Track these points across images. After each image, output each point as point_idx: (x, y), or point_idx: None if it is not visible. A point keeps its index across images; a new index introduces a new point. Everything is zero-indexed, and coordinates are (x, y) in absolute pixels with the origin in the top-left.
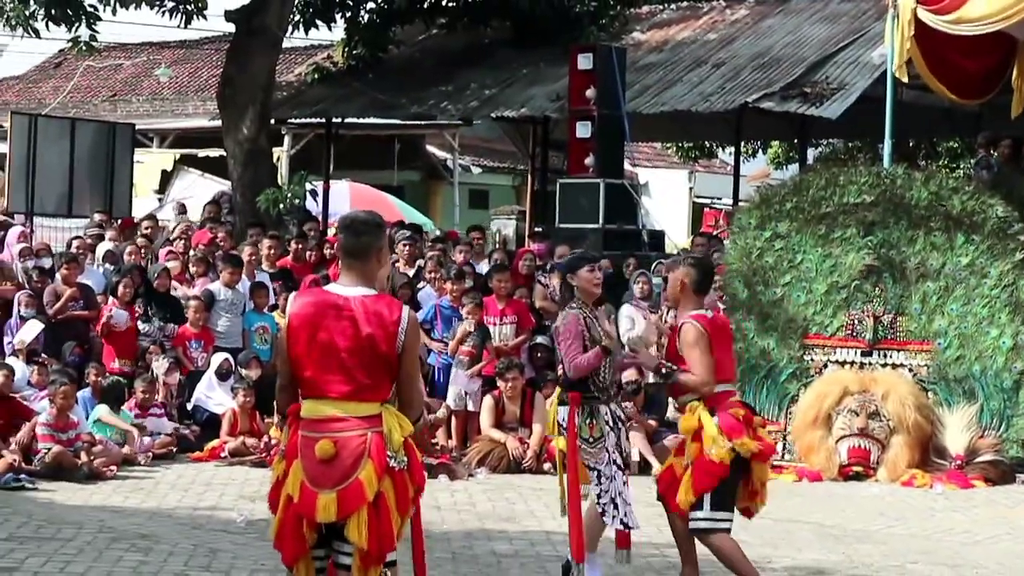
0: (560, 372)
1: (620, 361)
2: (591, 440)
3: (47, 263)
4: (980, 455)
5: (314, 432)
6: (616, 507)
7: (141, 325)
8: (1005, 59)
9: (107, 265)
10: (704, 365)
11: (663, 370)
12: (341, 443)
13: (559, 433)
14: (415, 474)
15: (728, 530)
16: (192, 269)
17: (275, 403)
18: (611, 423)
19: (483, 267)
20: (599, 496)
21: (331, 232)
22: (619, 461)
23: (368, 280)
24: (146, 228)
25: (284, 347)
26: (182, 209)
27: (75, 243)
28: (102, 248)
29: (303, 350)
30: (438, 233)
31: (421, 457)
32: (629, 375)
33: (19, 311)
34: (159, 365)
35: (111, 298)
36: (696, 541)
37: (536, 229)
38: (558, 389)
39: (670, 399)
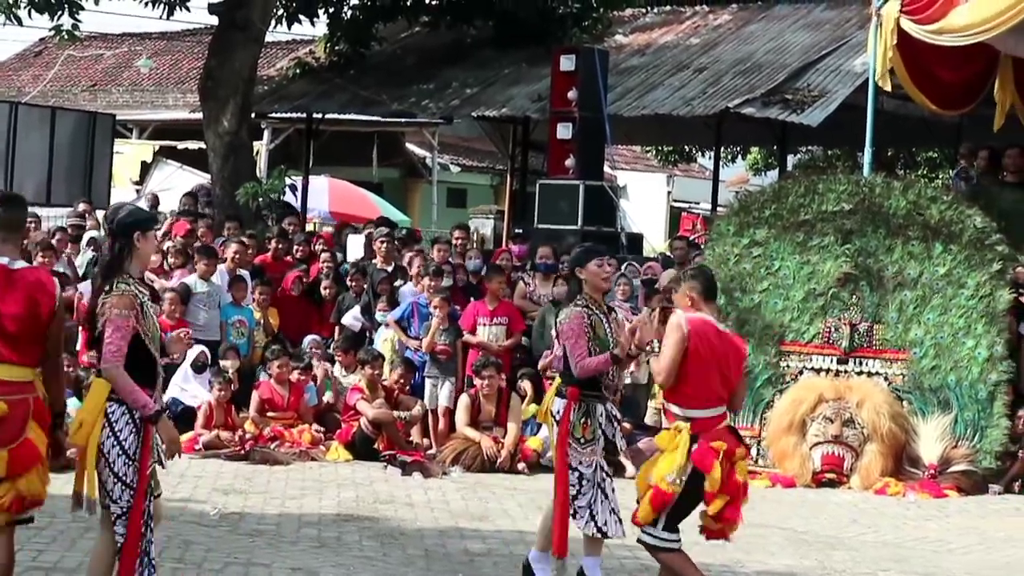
0: (558, 366)
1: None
2: (582, 441)
3: None
4: (953, 465)
5: None
6: (592, 514)
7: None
8: (987, 71)
9: (91, 252)
10: (668, 358)
11: (648, 346)
12: (11, 404)
13: (552, 424)
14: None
15: (677, 550)
16: (170, 260)
17: None
18: (604, 423)
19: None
20: (575, 498)
21: (308, 227)
22: (606, 468)
23: (17, 252)
24: None
25: None
26: (155, 201)
27: (58, 234)
28: (86, 236)
29: None
30: (403, 232)
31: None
32: None
33: None
34: None
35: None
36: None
37: (516, 231)
38: (557, 379)
39: (650, 403)
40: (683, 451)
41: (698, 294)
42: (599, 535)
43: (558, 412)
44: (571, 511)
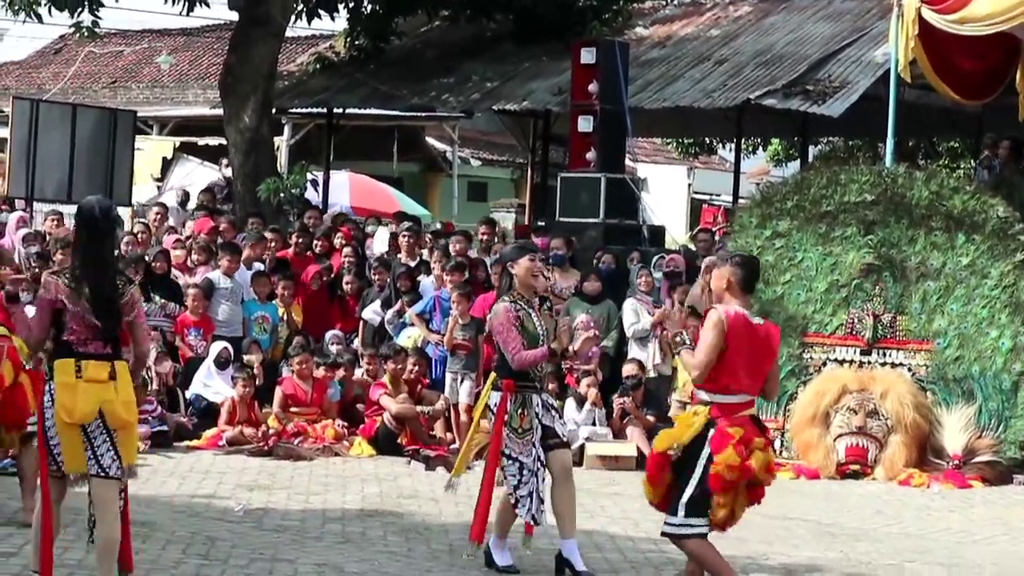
0: (494, 360)
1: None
2: (520, 431)
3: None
4: (977, 455)
5: None
6: (532, 501)
7: (144, 305)
8: (1008, 60)
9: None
10: (705, 351)
11: (677, 337)
12: None
13: (489, 417)
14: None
15: (704, 535)
16: (193, 257)
17: None
18: (541, 413)
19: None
20: (516, 487)
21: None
22: (542, 457)
23: None
24: (157, 214)
25: None
26: (185, 197)
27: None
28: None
29: None
30: (438, 226)
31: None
32: (629, 370)
33: None
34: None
35: None
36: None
37: (539, 224)
38: (492, 375)
39: (672, 396)
40: (693, 429)
41: (737, 281)
42: (533, 523)
43: (495, 405)
44: (513, 500)
